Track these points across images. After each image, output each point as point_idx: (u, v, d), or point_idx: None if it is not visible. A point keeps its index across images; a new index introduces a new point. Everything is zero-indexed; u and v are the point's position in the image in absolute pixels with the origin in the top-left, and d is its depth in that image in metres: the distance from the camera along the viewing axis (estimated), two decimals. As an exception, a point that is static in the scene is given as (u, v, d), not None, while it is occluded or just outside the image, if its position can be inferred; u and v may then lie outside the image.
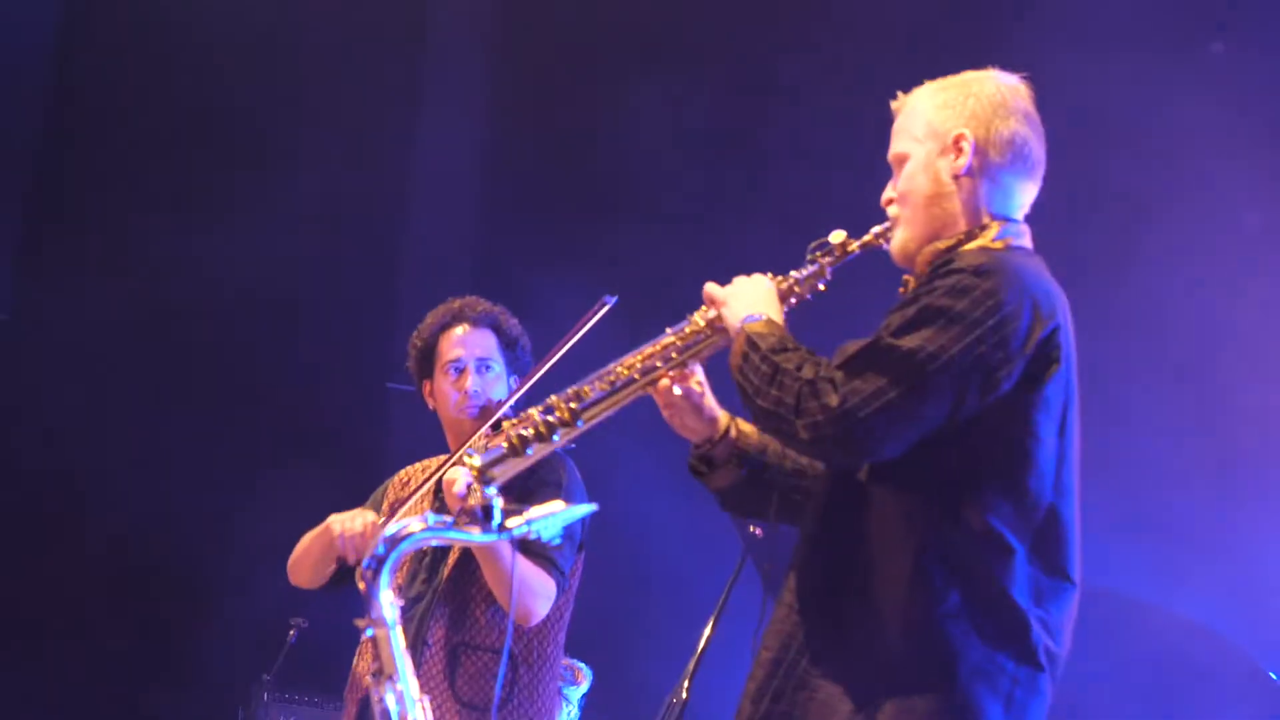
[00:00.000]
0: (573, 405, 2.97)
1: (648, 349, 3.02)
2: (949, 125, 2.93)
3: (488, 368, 4.20)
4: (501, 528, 2.61)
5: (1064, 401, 2.81)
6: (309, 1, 7.19)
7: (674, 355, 3.01)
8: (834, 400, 2.69)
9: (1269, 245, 5.73)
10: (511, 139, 7.09)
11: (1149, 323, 5.68)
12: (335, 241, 7.08)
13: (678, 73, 6.64)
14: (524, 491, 4.01)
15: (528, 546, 3.83)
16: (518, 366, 4.25)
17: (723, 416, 3.10)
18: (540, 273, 6.20)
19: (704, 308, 3.03)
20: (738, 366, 2.85)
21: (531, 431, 2.96)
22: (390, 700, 2.57)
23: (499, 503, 2.58)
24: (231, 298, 7.04)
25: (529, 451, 2.96)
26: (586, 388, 2.99)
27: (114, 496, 6.85)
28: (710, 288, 3.00)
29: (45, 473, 6.96)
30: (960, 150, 2.92)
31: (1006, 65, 3.00)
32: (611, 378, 3.00)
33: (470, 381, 4.17)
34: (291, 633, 5.94)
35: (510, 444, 2.95)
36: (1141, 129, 5.67)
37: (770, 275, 3.02)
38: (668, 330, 3.03)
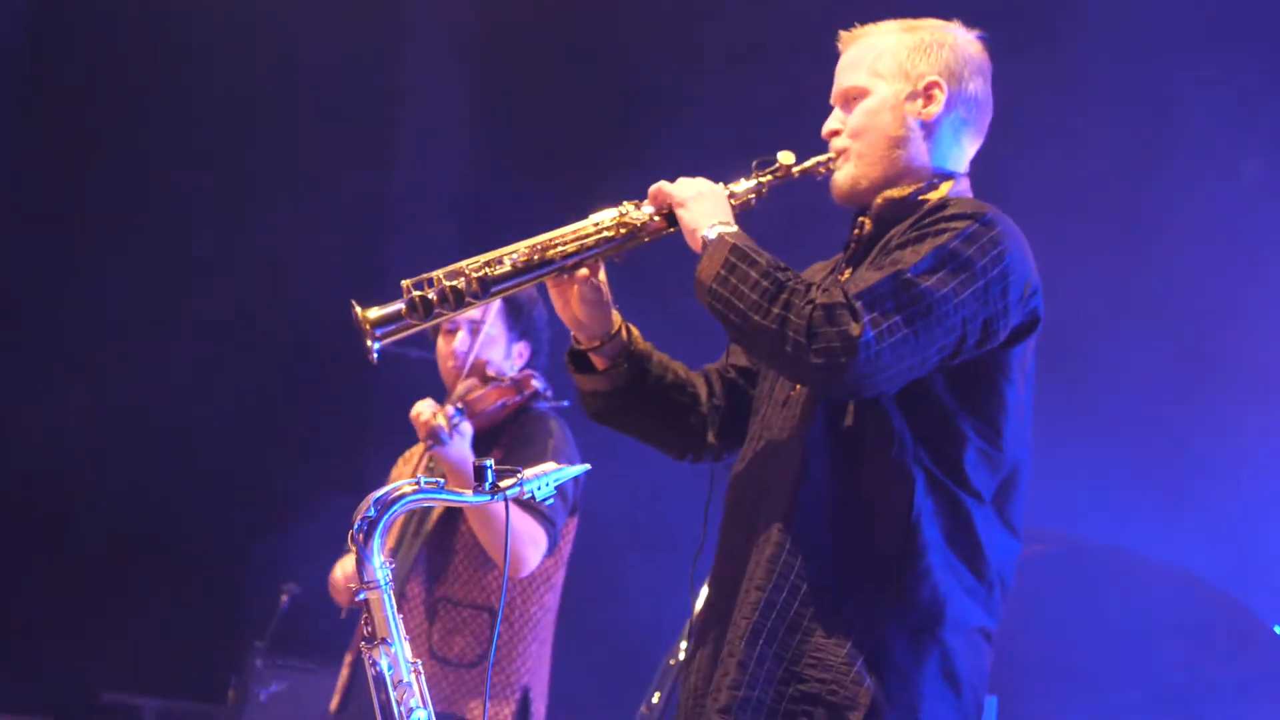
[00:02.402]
0: (484, 273, 2.84)
1: (573, 231, 2.89)
2: (921, 70, 2.89)
3: (478, 330, 4.19)
4: (494, 489, 2.58)
5: (1033, 362, 2.84)
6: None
7: (605, 246, 2.88)
8: (855, 329, 2.60)
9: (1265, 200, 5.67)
10: (500, 92, 7.02)
11: (1150, 287, 5.61)
12: (321, 203, 7.02)
13: (679, 26, 6.57)
14: (512, 449, 4.01)
15: (519, 500, 3.81)
16: (525, 330, 4.24)
17: (616, 314, 2.99)
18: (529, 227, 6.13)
19: (638, 203, 2.90)
20: (719, 277, 2.72)
21: (435, 295, 2.81)
22: (384, 664, 2.54)
23: (491, 463, 2.56)
24: (217, 261, 7.00)
25: (431, 315, 2.81)
26: (502, 260, 2.86)
27: (105, 462, 6.82)
28: (666, 186, 2.87)
29: (36, 440, 6.91)
30: (932, 98, 2.88)
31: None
32: (531, 255, 2.87)
33: (456, 342, 4.20)
34: (284, 598, 5.93)
35: (411, 303, 2.81)
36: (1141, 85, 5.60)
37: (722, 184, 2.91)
38: (592, 217, 2.90)
